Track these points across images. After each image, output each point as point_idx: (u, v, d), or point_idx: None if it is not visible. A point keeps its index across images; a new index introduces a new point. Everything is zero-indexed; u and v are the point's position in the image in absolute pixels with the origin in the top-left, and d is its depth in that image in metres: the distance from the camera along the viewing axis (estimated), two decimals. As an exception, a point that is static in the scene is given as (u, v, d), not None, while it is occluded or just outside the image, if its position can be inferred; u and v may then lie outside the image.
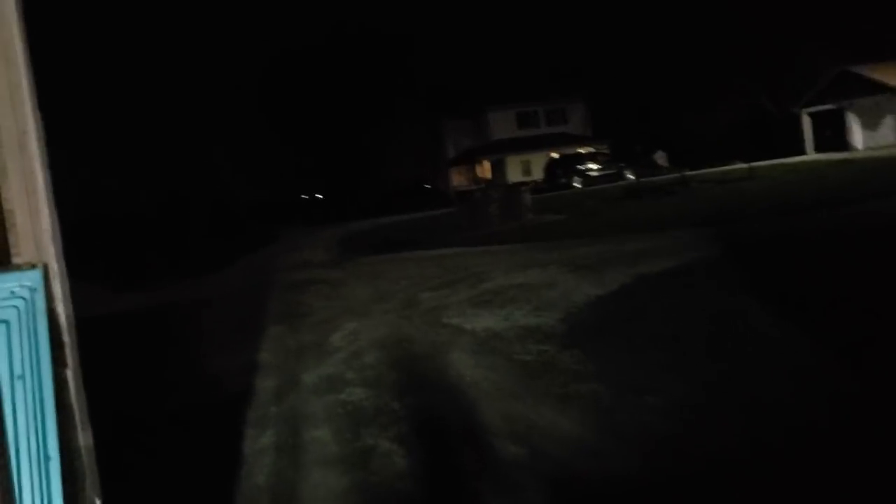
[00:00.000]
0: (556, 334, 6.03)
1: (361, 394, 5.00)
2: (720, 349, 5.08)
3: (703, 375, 4.62)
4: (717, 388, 4.39)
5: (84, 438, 1.78)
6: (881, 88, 31.75)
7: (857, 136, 33.86)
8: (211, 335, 8.12)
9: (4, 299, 1.58)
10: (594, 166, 37.18)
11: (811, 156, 33.67)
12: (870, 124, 33.35)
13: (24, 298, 1.60)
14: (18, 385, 1.55)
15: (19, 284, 1.62)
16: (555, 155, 40.58)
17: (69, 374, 1.72)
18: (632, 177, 34.54)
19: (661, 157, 42.09)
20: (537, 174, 39.78)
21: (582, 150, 40.70)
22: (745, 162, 29.15)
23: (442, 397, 4.81)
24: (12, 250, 1.71)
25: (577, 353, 5.38)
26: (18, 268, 1.68)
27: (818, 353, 4.69)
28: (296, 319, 8.23)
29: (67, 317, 1.76)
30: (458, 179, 46.69)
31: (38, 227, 1.73)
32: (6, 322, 1.55)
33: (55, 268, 1.74)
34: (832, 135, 34.99)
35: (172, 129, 37.32)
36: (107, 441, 4.80)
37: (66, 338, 1.73)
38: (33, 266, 1.68)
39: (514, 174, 42.52)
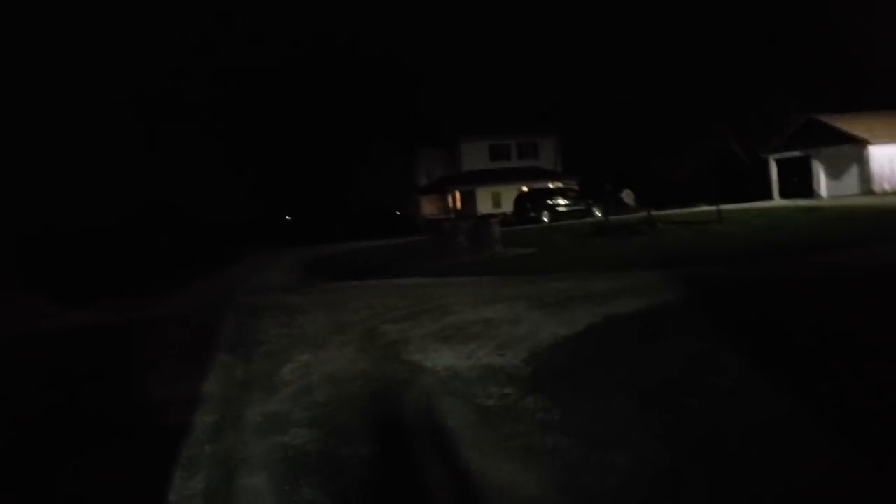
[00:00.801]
0: (519, 376, 5.71)
1: (307, 436, 4.61)
2: (690, 402, 4.78)
3: (672, 431, 4.32)
4: (687, 447, 4.08)
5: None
6: (847, 139, 32.34)
7: (823, 183, 34.39)
8: (154, 360, 7.65)
9: None
10: (563, 201, 37.20)
11: (777, 201, 34.07)
12: (835, 173, 33.91)
13: None
14: None
15: None
16: (525, 188, 40.60)
17: None
18: (599, 214, 34.63)
19: (627, 196, 42.41)
20: (507, 206, 39.73)
21: (551, 185, 40.80)
22: (711, 204, 29.36)
23: (394, 445, 4.43)
24: None
25: (541, 399, 5.05)
26: None
27: (794, 408, 4.42)
28: (248, 347, 7.79)
29: None
30: (428, 208, 46.48)
31: None
32: None
33: None
34: (798, 181, 35.50)
35: (146, 142, 36.59)
36: (9, 479, 4.33)
37: None
38: None
39: (484, 205, 42.49)
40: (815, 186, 34.50)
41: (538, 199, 37.43)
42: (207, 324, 9.53)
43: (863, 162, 32.16)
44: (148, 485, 4.10)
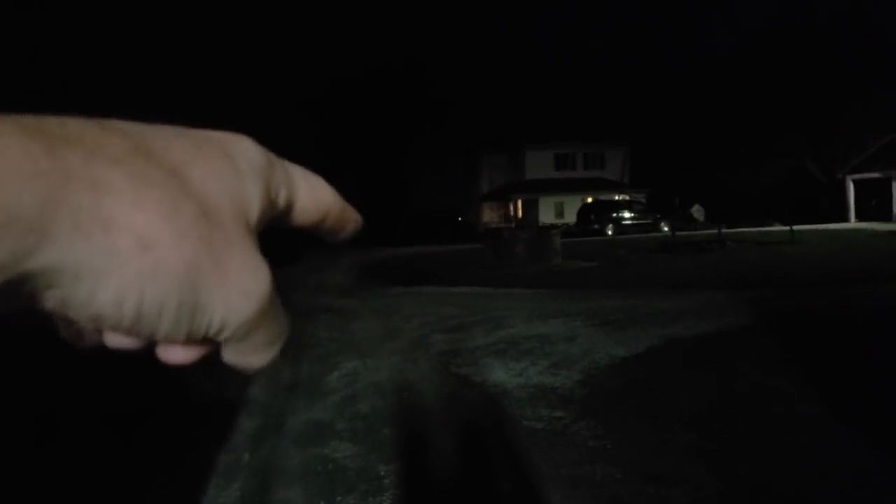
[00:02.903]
0: (572, 399, 5.45)
1: (347, 450, 4.46)
2: (756, 436, 4.46)
3: (734, 469, 4.02)
4: (749, 488, 3.78)
5: None
6: (932, 161, 30.90)
7: (905, 207, 32.91)
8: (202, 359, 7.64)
9: None
10: (629, 214, 36.50)
11: (853, 224, 32.69)
12: (918, 197, 32.42)
13: None
14: None
15: None
16: (589, 199, 40.01)
17: None
18: (667, 229, 33.84)
19: (697, 212, 41.32)
20: (570, 217, 39.30)
21: (618, 197, 40.10)
22: (784, 224, 28.32)
23: (435, 466, 4.24)
24: None
25: (593, 425, 4.79)
26: None
27: (871, 456, 4.06)
28: (296, 350, 7.72)
29: None
30: (489, 215, 46.31)
31: None
32: None
33: None
34: (877, 204, 34.05)
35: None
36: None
37: None
38: None
39: (546, 215, 42.09)
40: (895, 210, 32.99)
41: (603, 211, 36.83)
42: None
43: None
44: (184, 491, 4.01)
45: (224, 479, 4.10)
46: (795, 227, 23.14)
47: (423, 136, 45.89)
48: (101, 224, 0.25)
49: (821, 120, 38.35)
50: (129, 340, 0.30)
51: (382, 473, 4.06)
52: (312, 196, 0.35)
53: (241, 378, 6.38)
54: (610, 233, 34.61)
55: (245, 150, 0.31)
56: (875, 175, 33.66)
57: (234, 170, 0.30)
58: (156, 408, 5.77)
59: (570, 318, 8.90)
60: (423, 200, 46.77)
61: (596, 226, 35.59)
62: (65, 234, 0.24)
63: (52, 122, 0.26)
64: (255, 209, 0.31)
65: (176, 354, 0.31)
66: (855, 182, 35.25)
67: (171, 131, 0.29)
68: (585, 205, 38.85)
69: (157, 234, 0.26)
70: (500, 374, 6.25)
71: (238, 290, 0.29)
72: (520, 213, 44.74)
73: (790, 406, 4.99)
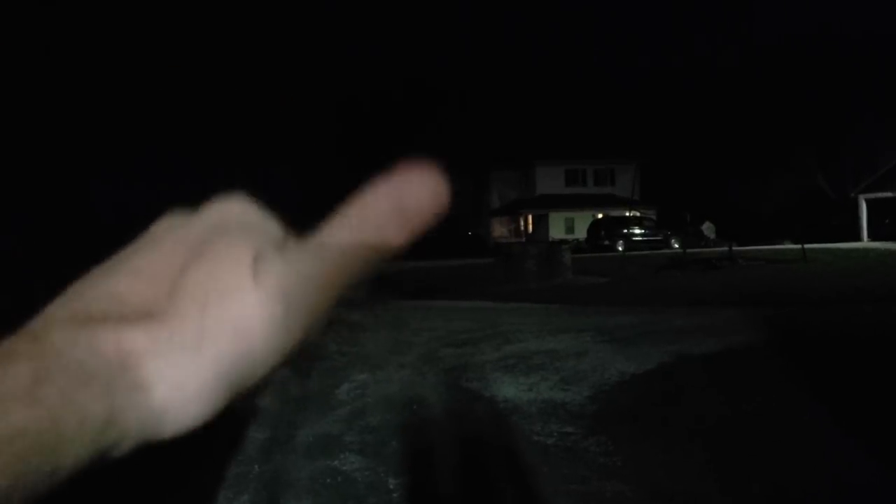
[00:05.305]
0: (582, 414, 5.44)
1: (356, 463, 4.46)
2: (766, 454, 4.43)
3: (745, 486, 3.99)
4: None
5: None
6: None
7: (917, 228, 32.68)
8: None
9: None
10: (639, 231, 36.39)
11: (865, 243, 32.45)
12: (931, 218, 32.22)
13: None
14: None
15: None
16: (600, 215, 39.97)
17: None
18: (677, 246, 33.70)
19: (708, 229, 41.10)
20: (580, 233, 39.22)
21: (628, 214, 40.03)
22: (795, 242, 28.17)
23: (444, 480, 4.24)
24: None
25: (603, 441, 4.78)
26: None
27: (887, 470, 4.02)
28: (306, 363, 7.73)
29: None
30: (499, 230, 46.33)
31: None
32: None
33: None
34: (890, 223, 33.81)
35: (224, 159, 37.71)
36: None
37: None
38: None
39: (556, 230, 42.03)
40: (908, 230, 32.79)
41: (613, 227, 36.75)
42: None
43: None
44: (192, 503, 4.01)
45: (233, 491, 4.10)
46: (807, 246, 22.99)
47: (434, 152, 45.94)
48: None
49: (832, 138, 38.30)
50: None
51: (392, 487, 4.05)
52: None
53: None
54: (620, 249, 34.48)
55: None
56: (888, 195, 33.47)
57: None
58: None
59: (581, 333, 8.88)
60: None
61: (606, 242, 35.50)
62: None
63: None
64: None
65: None
66: (868, 201, 35.04)
67: None
68: (596, 221, 38.81)
69: None
70: (510, 389, 6.24)
71: None
72: (530, 229, 44.76)
73: (801, 424, 4.96)
